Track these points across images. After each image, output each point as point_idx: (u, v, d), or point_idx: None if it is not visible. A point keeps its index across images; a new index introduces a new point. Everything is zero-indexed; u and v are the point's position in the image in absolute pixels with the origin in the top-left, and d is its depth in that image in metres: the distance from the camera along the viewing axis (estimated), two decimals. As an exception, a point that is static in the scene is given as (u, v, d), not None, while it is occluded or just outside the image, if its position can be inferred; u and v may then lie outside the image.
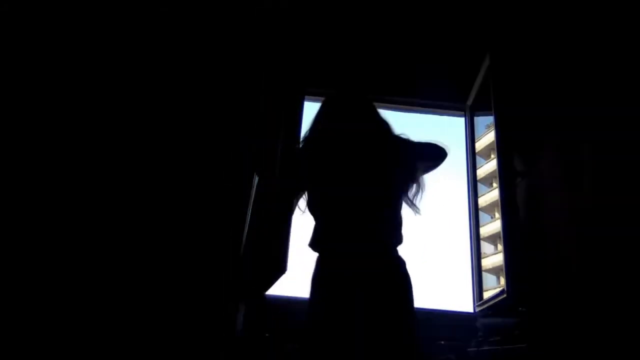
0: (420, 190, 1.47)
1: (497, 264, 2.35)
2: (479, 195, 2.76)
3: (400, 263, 1.34)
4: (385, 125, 1.49)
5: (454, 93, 2.94)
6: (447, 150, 1.54)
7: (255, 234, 1.70)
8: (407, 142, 1.48)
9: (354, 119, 1.48)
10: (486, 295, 2.45)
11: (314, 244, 1.38)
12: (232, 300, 1.54)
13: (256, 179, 1.71)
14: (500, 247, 2.21)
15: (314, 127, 1.53)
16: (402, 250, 1.39)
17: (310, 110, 2.77)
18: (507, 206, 2.21)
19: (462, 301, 2.62)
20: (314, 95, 2.81)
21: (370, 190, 1.36)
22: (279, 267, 1.89)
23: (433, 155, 1.51)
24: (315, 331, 1.26)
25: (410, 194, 1.45)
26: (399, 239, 1.37)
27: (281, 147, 1.80)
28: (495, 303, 2.19)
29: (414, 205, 1.44)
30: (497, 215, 2.27)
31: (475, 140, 2.88)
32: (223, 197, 1.58)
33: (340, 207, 1.35)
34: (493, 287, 2.54)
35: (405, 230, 1.42)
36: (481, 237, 2.69)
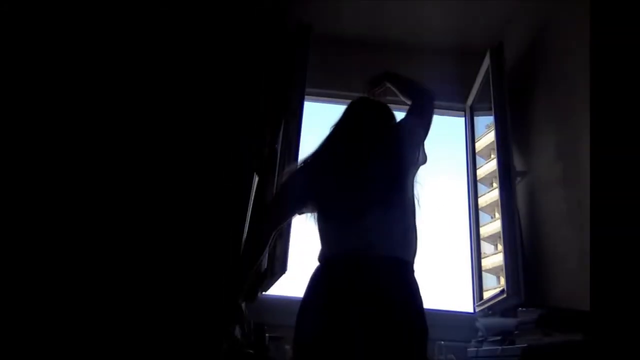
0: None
1: (497, 264, 2.35)
2: (479, 195, 2.76)
3: (410, 279, 1.20)
4: (399, 132, 1.42)
5: (454, 93, 2.94)
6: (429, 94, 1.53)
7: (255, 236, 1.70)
8: (406, 129, 1.43)
9: (369, 124, 1.43)
10: (486, 295, 2.45)
11: (327, 254, 1.26)
12: (232, 301, 1.54)
13: (256, 179, 1.71)
14: (500, 247, 2.21)
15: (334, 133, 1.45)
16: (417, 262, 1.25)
17: (310, 110, 2.78)
18: (507, 206, 2.21)
19: (462, 301, 2.62)
20: (314, 95, 2.82)
21: (387, 197, 1.25)
22: (279, 268, 1.89)
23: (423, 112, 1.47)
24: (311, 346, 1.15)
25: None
26: (414, 252, 1.25)
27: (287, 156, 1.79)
28: (495, 303, 2.19)
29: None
30: (497, 215, 2.27)
31: (475, 140, 2.88)
32: (223, 197, 1.58)
33: (353, 216, 1.23)
34: (493, 287, 2.55)
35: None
36: (481, 237, 2.69)
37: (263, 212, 1.47)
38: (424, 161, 1.42)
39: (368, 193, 1.26)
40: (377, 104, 1.53)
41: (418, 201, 1.34)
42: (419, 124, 1.45)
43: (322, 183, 1.32)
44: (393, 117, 1.51)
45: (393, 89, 1.64)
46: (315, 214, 1.36)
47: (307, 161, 1.42)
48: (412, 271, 1.22)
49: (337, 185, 1.30)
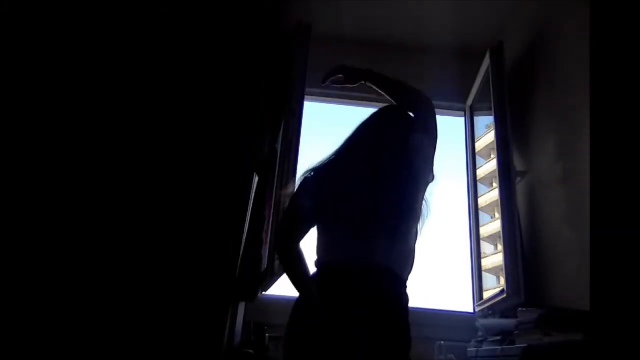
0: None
1: (497, 264, 2.35)
2: (479, 195, 2.76)
3: (400, 291, 1.20)
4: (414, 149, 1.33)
5: (454, 93, 2.95)
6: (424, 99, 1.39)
7: (255, 237, 1.70)
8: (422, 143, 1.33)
9: (387, 138, 1.35)
10: (486, 295, 2.45)
11: (324, 260, 1.24)
12: (232, 300, 1.54)
13: (256, 179, 1.72)
14: (500, 247, 2.21)
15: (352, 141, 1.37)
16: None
17: (310, 110, 2.77)
18: (507, 206, 2.21)
19: (462, 301, 2.62)
20: (314, 95, 2.82)
21: (394, 215, 1.23)
22: (279, 268, 1.89)
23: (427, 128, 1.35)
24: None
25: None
26: (409, 270, 1.24)
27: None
28: (495, 303, 2.19)
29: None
30: (497, 215, 2.27)
31: (475, 140, 2.88)
32: (223, 197, 1.58)
33: (355, 228, 1.21)
34: (493, 287, 2.55)
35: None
36: (481, 237, 2.69)
37: (283, 234, 1.36)
38: (432, 179, 1.38)
39: (374, 208, 1.24)
40: (400, 118, 1.43)
41: (423, 220, 1.31)
42: (427, 140, 1.36)
43: (328, 192, 1.30)
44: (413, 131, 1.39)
45: (379, 91, 1.48)
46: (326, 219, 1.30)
47: (318, 169, 1.36)
48: (405, 287, 1.23)
49: (343, 195, 1.27)
